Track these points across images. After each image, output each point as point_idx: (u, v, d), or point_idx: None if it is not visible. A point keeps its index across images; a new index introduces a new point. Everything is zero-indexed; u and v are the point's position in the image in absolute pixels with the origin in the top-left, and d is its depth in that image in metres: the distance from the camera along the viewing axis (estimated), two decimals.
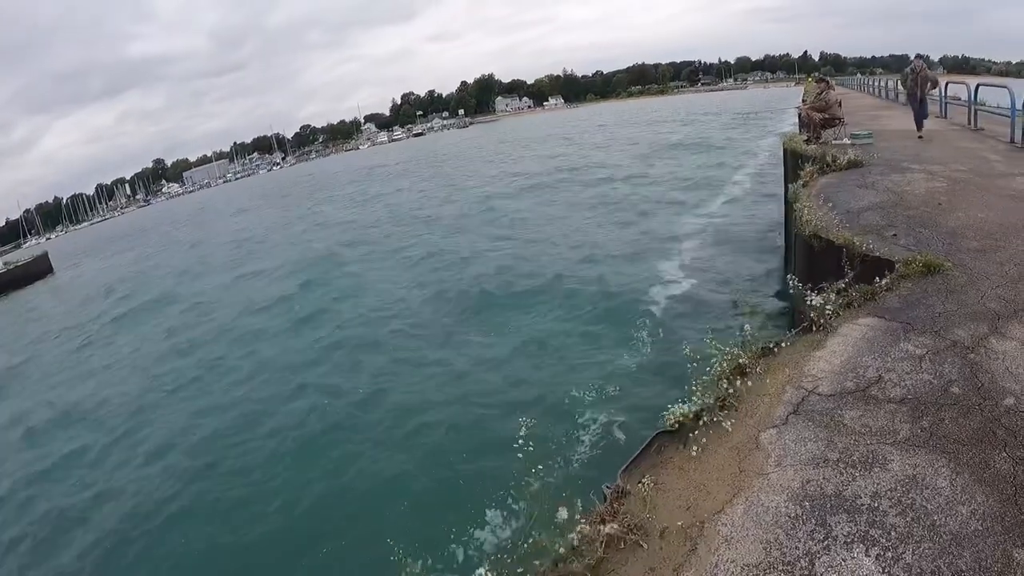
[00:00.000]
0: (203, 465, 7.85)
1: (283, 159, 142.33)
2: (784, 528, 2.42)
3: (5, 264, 36.77)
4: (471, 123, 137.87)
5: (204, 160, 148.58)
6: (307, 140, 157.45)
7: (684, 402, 3.39)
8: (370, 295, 14.40)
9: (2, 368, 16.11)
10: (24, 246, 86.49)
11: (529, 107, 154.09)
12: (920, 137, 10.74)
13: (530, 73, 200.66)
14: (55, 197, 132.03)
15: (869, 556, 2.21)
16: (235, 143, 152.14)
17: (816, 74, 23.88)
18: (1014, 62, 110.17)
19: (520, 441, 3.25)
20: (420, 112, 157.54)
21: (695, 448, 3.03)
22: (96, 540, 6.76)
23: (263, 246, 25.94)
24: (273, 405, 9.19)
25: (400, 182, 42.11)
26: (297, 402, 9.10)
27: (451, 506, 5.84)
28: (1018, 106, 9.40)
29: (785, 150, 11.74)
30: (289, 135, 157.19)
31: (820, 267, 5.38)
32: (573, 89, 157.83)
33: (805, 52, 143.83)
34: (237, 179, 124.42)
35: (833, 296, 4.26)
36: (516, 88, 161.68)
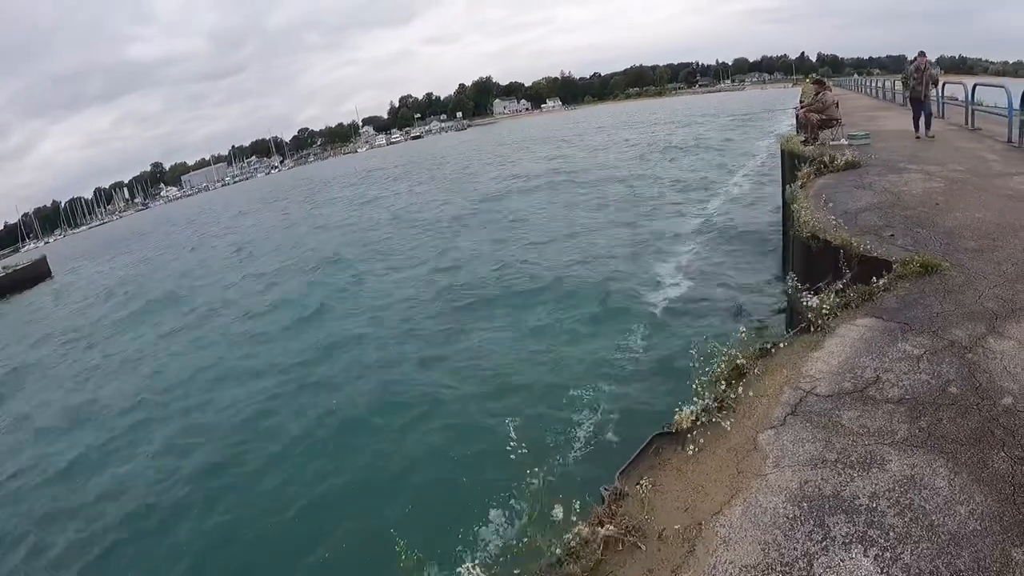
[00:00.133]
0: (204, 465, 7.89)
1: (281, 162, 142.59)
2: (782, 529, 2.42)
3: (4, 268, 36.64)
4: (469, 125, 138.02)
5: (202, 164, 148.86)
6: (305, 143, 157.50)
7: (690, 405, 3.36)
8: (369, 296, 14.45)
9: (2, 370, 16.09)
10: (23, 250, 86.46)
11: (527, 109, 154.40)
12: (932, 137, 10.55)
13: (528, 75, 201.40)
14: (53, 201, 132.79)
15: (867, 556, 2.20)
16: (233, 147, 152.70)
17: (813, 75, 23.93)
18: (1011, 62, 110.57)
19: (519, 441, 3.25)
20: (418, 115, 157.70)
21: (693, 449, 3.02)
22: (96, 540, 6.79)
23: (263, 249, 25.95)
24: (273, 405, 9.25)
25: (399, 185, 42.16)
26: (297, 402, 9.16)
27: (450, 506, 5.88)
28: (1015, 106, 9.41)
29: (783, 151, 11.74)
30: (287, 138, 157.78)
31: (818, 267, 5.36)
32: (571, 91, 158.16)
33: (803, 53, 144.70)
34: (235, 183, 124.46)
35: (831, 297, 4.26)
36: (514, 90, 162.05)
